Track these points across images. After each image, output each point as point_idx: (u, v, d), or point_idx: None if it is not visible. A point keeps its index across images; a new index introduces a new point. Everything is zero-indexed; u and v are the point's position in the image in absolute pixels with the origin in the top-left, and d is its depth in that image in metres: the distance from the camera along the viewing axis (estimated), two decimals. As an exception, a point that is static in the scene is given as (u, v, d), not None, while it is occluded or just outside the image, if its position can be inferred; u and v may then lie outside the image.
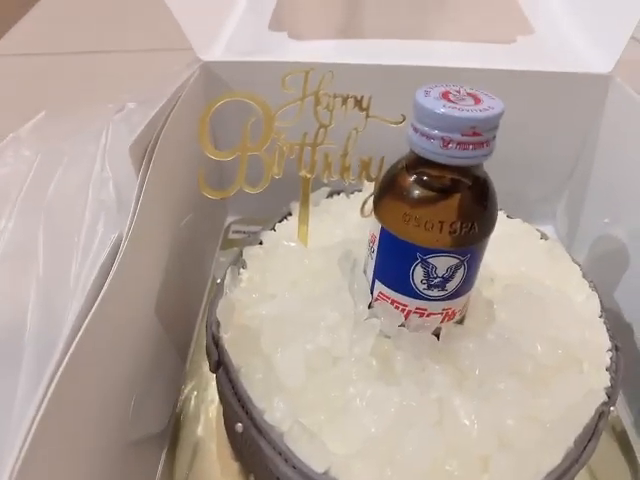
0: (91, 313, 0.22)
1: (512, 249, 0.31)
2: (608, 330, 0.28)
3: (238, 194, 0.30)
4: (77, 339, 0.20)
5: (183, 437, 0.31)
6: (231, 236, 0.45)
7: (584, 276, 0.30)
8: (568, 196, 0.42)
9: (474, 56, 0.37)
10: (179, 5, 0.35)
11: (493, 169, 0.41)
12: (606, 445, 0.32)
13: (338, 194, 0.36)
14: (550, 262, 0.30)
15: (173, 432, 0.31)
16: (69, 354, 0.20)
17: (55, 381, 0.19)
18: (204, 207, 0.40)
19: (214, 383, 0.31)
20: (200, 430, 0.32)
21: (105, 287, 0.23)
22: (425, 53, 0.36)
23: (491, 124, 0.21)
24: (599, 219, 0.37)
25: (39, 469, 0.18)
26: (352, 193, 0.36)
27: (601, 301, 0.29)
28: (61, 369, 0.20)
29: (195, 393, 0.33)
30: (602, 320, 0.28)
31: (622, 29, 0.34)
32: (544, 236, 0.33)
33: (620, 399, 0.34)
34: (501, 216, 0.34)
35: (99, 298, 0.22)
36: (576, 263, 0.31)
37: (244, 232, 0.44)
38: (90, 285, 0.23)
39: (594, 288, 0.30)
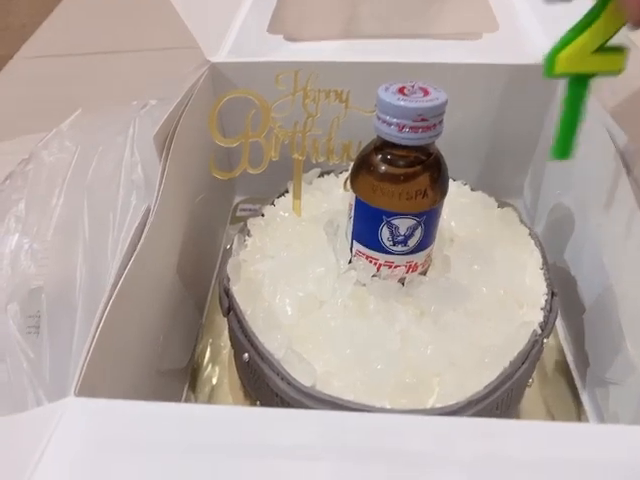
0: (127, 269, 0.28)
1: (471, 215, 0.37)
2: (547, 279, 0.34)
3: (244, 177, 0.36)
4: (117, 290, 0.26)
5: (201, 375, 0.38)
6: (239, 213, 0.51)
7: (530, 236, 0.36)
8: (532, 173, 0.48)
9: (444, 52, 0.43)
10: (187, 11, 0.41)
11: (469, 151, 0.47)
12: (553, 374, 0.38)
13: (328, 174, 0.42)
14: (502, 225, 0.36)
15: (192, 372, 0.38)
16: (111, 301, 0.26)
17: (102, 321, 0.25)
18: (215, 188, 0.46)
19: (226, 332, 0.38)
20: (214, 369, 0.38)
21: (137, 249, 0.29)
22: (400, 50, 0.42)
23: (435, 112, 0.27)
24: (554, 191, 0.43)
25: (94, 384, 0.24)
26: (340, 173, 0.42)
27: (544, 256, 0.35)
28: (106, 313, 0.25)
29: (210, 340, 0.40)
30: (543, 272, 0.34)
31: (570, 22, 0.40)
32: (501, 205, 0.38)
33: (565, 338, 0.40)
34: (465, 189, 0.40)
35: (132, 257, 0.28)
36: (525, 226, 0.37)
37: (250, 210, 0.51)
38: (126, 248, 0.29)
39: (539, 245, 0.35)
